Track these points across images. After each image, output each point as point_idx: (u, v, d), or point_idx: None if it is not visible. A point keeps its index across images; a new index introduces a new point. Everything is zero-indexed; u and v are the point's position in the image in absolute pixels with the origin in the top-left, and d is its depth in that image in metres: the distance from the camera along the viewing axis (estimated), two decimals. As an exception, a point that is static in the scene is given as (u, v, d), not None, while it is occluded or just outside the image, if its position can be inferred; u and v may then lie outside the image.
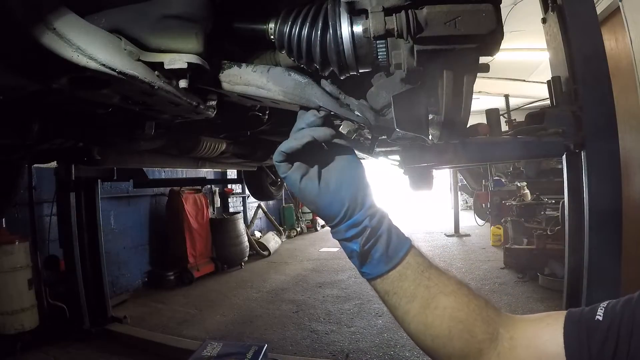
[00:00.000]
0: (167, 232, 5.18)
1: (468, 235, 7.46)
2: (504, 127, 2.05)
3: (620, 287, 1.34)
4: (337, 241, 0.57)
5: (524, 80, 6.76)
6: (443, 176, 10.97)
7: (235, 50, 0.74)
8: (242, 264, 5.80)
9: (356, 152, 0.61)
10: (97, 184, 3.20)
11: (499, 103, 5.35)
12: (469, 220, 7.77)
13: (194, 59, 0.64)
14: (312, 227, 9.08)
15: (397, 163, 1.80)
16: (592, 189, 1.36)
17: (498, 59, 4.79)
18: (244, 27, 0.68)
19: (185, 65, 0.63)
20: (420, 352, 0.61)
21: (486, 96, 6.73)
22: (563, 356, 0.48)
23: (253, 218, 7.61)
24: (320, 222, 8.96)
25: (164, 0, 0.64)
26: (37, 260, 3.04)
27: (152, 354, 2.87)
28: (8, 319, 2.75)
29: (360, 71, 0.59)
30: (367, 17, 0.51)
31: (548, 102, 1.60)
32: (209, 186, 6.19)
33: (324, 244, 7.22)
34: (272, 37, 0.64)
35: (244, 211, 7.50)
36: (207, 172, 5.71)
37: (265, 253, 6.48)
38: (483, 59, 0.53)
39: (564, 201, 1.63)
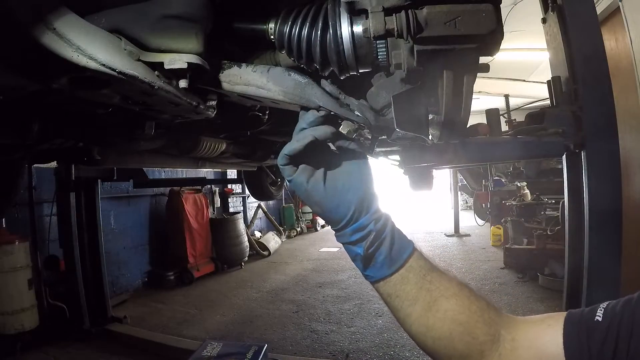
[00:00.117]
0: (167, 232, 5.18)
1: (468, 235, 7.46)
2: (504, 127, 2.05)
3: (620, 287, 1.34)
4: (337, 241, 0.57)
5: (524, 80, 6.77)
6: (443, 176, 10.98)
7: (235, 50, 0.74)
8: (242, 264, 5.79)
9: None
10: (97, 184, 3.20)
11: (499, 103, 5.35)
12: (469, 220, 7.77)
13: (194, 59, 0.64)
14: (312, 227, 9.09)
15: (397, 163, 1.80)
16: (592, 189, 1.37)
17: (498, 59, 4.80)
18: (244, 27, 0.68)
19: (185, 65, 0.63)
20: (421, 352, 0.62)
21: (486, 96, 6.74)
22: (563, 357, 0.48)
23: (253, 218, 7.61)
24: (320, 222, 8.96)
25: (164, 0, 0.64)
26: (37, 260, 3.04)
27: (152, 354, 2.87)
28: (8, 319, 2.75)
29: (360, 71, 0.59)
30: (367, 17, 0.51)
31: (548, 102, 1.60)
32: (209, 186, 6.19)
33: (324, 244, 7.22)
34: (272, 37, 0.64)
35: (244, 211, 7.50)
36: (207, 172, 5.70)
37: (265, 253, 6.48)
38: (483, 59, 0.53)
39: (564, 201, 1.63)
